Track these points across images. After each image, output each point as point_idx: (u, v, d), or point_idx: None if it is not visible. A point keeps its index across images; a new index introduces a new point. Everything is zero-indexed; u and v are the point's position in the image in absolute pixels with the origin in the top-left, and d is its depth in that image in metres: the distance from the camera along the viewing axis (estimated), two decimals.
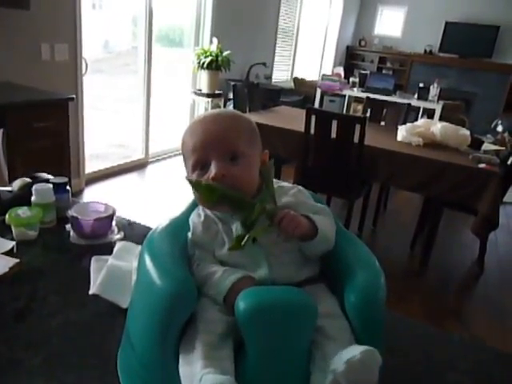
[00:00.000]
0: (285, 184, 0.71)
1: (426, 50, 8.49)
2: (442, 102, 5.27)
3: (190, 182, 0.62)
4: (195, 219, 0.67)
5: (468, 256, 3.23)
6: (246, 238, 0.58)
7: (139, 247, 0.88)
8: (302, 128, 2.81)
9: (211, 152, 0.62)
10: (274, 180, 0.71)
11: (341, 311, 0.59)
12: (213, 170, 0.61)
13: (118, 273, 0.84)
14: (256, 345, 0.52)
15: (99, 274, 0.85)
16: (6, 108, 2.28)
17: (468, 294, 2.86)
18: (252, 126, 0.69)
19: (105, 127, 4.68)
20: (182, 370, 0.53)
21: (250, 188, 0.64)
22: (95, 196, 3.46)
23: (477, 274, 3.01)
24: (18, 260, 0.88)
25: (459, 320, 2.44)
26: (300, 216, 0.62)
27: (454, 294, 2.77)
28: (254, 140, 0.67)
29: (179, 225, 0.68)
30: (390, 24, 8.95)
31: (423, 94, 5.32)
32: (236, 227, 0.63)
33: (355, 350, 0.50)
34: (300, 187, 0.71)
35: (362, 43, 9.23)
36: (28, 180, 1.12)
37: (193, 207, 0.70)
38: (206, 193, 0.61)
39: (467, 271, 3.09)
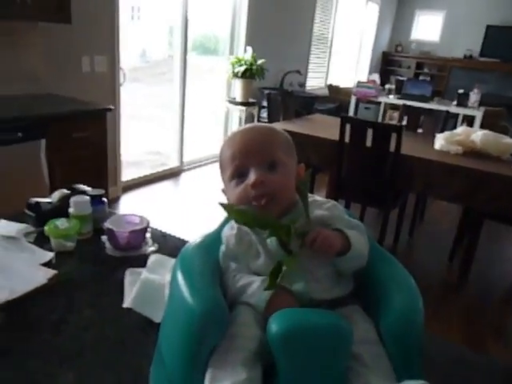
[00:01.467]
0: (319, 198, 0.70)
1: (465, 55, 8.27)
2: (482, 109, 5.10)
3: (222, 205, 0.62)
4: (227, 232, 0.67)
5: (510, 270, 3.09)
6: (279, 276, 0.57)
7: (172, 260, 0.88)
8: (336, 136, 2.78)
9: (250, 160, 0.63)
10: (309, 194, 0.70)
11: (377, 336, 0.57)
12: (252, 177, 0.62)
13: (151, 287, 0.84)
14: (288, 369, 0.51)
15: (133, 287, 0.86)
16: (48, 119, 2.36)
17: (510, 310, 2.73)
18: (288, 138, 0.71)
19: (141, 135, 4.79)
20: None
21: (287, 197, 0.65)
22: (131, 203, 3.54)
23: None
24: (56, 271, 0.90)
25: (501, 339, 2.33)
26: (333, 233, 0.61)
27: (495, 310, 2.65)
28: (290, 151, 0.69)
29: (213, 241, 0.68)
30: (427, 28, 8.78)
31: (463, 101, 5.16)
32: (271, 241, 0.62)
33: None
34: (335, 202, 0.70)
35: (399, 49, 9.08)
36: (66, 192, 1.15)
37: (225, 222, 0.70)
38: (238, 216, 0.61)
39: (510, 286, 2.96)
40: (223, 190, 0.69)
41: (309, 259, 0.61)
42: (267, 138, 0.66)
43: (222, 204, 0.62)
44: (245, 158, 0.64)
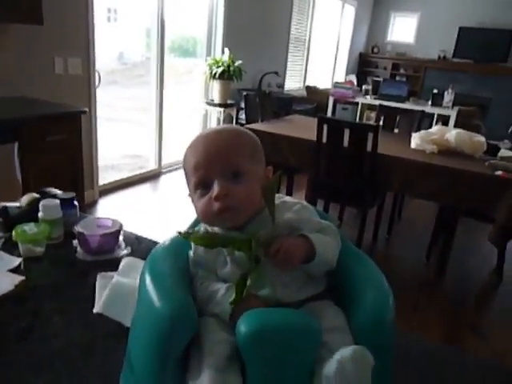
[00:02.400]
0: (288, 199, 0.69)
1: (439, 56, 8.43)
2: (456, 108, 5.21)
3: (180, 234, 0.62)
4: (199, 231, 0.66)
5: (486, 266, 3.15)
6: (244, 291, 0.57)
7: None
8: (314, 137, 2.79)
9: (213, 170, 0.61)
10: (279, 195, 0.69)
11: (346, 326, 0.56)
12: (215, 190, 0.60)
13: (123, 290, 0.83)
14: (257, 368, 0.51)
15: (104, 292, 0.84)
16: (19, 122, 2.31)
17: (486, 305, 2.79)
18: (255, 142, 0.68)
19: (119, 138, 4.74)
20: None
21: (253, 207, 0.62)
22: (109, 207, 3.49)
23: (495, 283, 2.94)
24: (23, 277, 0.87)
25: (477, 333, 2.37)
26: (296, 242, 0.60)
27: (471, 305, 2.70)
28: (257, 156, 0.66)
29: (181, 243, 0.67)
30: (402, 30, 8.93)
31: (437, 101, 5.27)
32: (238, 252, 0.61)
33: (347, 349, 0.49)
34: (304, 203, 0.69)
35: (375, 50, 9.20)
36: (36, 195, 1.12)
37: (195, 224, 0.69)
38: (196, 242, 0.61)
39: (485, 281, 3.02)
40: (190, 196, 0.67)
41: (275, 265, 0.60)
42: (231, 145, 0.63)
43: (179, 232, 0.62)
44: (207, 169, 0.61)
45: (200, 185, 0.62)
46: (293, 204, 0.67)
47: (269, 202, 0.62)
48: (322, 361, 0.52)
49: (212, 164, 0.61)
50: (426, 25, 8.53)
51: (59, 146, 2.53)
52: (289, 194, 3.50)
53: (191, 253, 0.65)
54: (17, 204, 1.11)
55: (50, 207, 1.03)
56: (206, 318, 0.57)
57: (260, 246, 0.59)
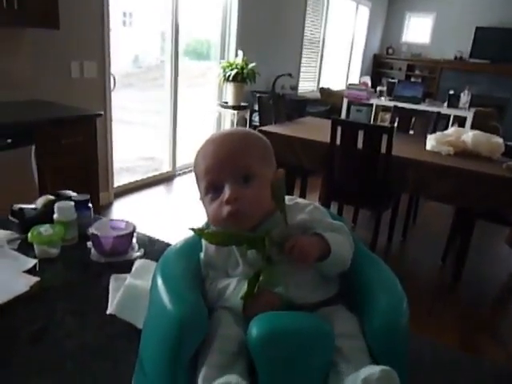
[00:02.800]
0: (300, 200, 0.69)
1: (456, 57, 8.32)
2: (473, 110, 5.13)
3: (193, 230, 0.61)
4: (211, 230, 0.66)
5: (503, 269, 3.10)
6: (256, 285, 0.57)
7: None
8: (327, 139, 2.78)
9: (223, 174, 0.61)
10: (291, 197, 0.69)
11: (359, 331, 0.56)
12: (226, 193, 0.60)
13: (136, 292, 0.83)
14: (268, 371, 0.50)
15: (117, 294, 0.85)
16: (35, 125, 2.34)
17: (504, 309, 2.73)
18: (265, 144, 0.67)
19: (134, 140, 4.78)
20: None
21: (263, 209, 0.62)
22: (123, 209, 3.52)
23: None
24: (38, 279, 0.88)
25: (494, 338, 2.33)
26: (311, 240, 0.60)
27: (488, 309, 2.65)
28: (267, 159, 0.66)
29: (193, 245, 0.67)
30: (418, 31, 8.84)
31: (453, 102, 5.19)
32: (251, 252, 0.61)
33: (373, 369, 0.48)
34: (316, 204, 0.69)
35: (390, 51, 9.13)
36: (51, 197, 1.14)
37: (206, 226, 0.69)
38: (209, 239, 0.61)
39: (503, 285, 2.96)
40: (201, 199, 0.67)
41: (289, 265, 0.60)
42: (241, 148, 0.63)
43: (192, 229, 0.61)
44: (218, 173, 0.61)
45: (210, 188, 0.62)
46: (305, 205, 0.67)
47: (278, 200, 0.62)
48: (335, 366, 0.51)
49: (222, 168, 0.61)
50: (442, 25, 8.44)
51: (75, 149, 2.56)
52: (302, 196, 3.48)
53: (202, 254, 0.65)
54: (32, 206, 1.13)
55: (64, 209, 1.04)
56: (219, 312, 0.58)
57: (273, 245, 0.58)
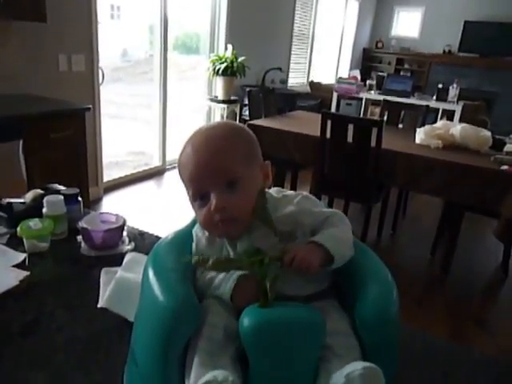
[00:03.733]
0: (289, 193, 0.68)
1: (444, 51, 8.37)
2: (461, 103, 5.17)
3: (196, 265, 0.59)
4: (199, 233, 0.65)
5: (491, 261, 3.14)
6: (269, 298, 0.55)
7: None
8: (318, 132, 2.78)
9: (207, 182, 0.60)
10: (279, 189, 0.68)
11: (350, 329, 0.56)
12: (213, 203, 0.59)
13: (127, 285, 0.83)
14: (260, 361, 0.50)
15: (108, 287, 0.84)
16: (23, 119, 2.31)
17: (492, 300, 2.77)
18: (247, 138, 0.65)
19: (123, 135, 4.75)
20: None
21: (252, 213, 0.61)
22: (113, 204, 3.50)
23: (501, 279, 2.93)
24: (28, 273, 0.88)
25: (483, 329, 2.36)
26: (309, 250, 0.58)
27: (477, 300, 2.69)
28: (251, 156, 0.64)
29: (184, 237, 0.67)
30: (407, 25, 8.87)
31: (442, 95, 5.23)
32: (240, 246, 0.61)
33: (357, 365, 0.48)
34: (305, 193, 0.68)
35: (379, 45, 9.16)
36: (40, 191, 1.13)
37: (194, 223, 0.69)
38: (213, 268, 0.59)
39: (491, 276, 3.00)
40: (190, 203, 0.65)
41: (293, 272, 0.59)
42: (222, 151, 0.60)
43: (195, 264, 0.59)
44: (202, 182, 0.60)
45: (197, 196, 0.62)
46: (294, 196, 0.66)
47: (263, 221, 0.60)
48: (325, 363, 0.52)
49: (205, 176, 0.60)
50: (431, 19, 8.47)
51: (63, 143, 2.53)
52: (293, 189, 3.48)
53: (194, 245, 0.65)
54: (21, 200, 1.11)
55: (54, 203, 1.03)
56: (209, 301, 0.58)
57: (271, 263, 0.57)
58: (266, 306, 0.53)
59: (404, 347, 0.60)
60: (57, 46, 2.95)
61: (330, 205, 3.26)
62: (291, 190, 0.70)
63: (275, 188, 0.69)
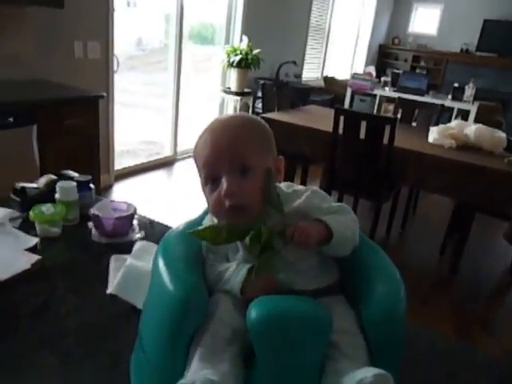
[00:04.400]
0: (299, 187, 0.68)
1: (462, 49, 8.25)
2: (477, 103, 5.10)
3: (192, 233, 0.61)
4: (208, 224, 0.66)
5: (500, 263, 3.11)
6: (253, 272, 0.58)
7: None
8: (330, 128, 2.77)
9: (221, 166, 0.60)
10: (289, 183, 0.69)
11: (358, 328, 0.56)
12: (223, 187, 0.59)
13: (136, 273, 0.84)
14: (266, 354, 0.51)
15: (117, 274, 0.85)
16: (38, 105, 2.33)
17: (499, 302, 2.76)
18: (264, 131, 0.66)
19: (136, 124, 4.76)
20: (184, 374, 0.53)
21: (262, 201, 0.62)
22: (123, 192, 3.52)
23: (509, 282, 2.90)
24: (39, 257, 0.89)
25: (488, 330, 2.35)
26: (310, 225, 0.60)
27: (484, 302, 2.67)
28: (266, 147, 0.65)
29: (195, 228, 0.67)
30: (424, 22, 8.75)
31: (458, 95, 5.17)
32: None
33: (368, 372, 0.47)
34: (314, 188, 0.68)
35: (396, 41, 9.05)
36: (53, 177, 1.14)
37: (204, 215, 0.69)
38: (209, 236, 0.60)
39: (499, 279, 2.98)
40: (202, 188, 0.66)
41: (290, 253, 0.60)
42: (238, 139, 0.61)
43: (191, 232, 0.61)
44: (215, 165, 0.60)
45: (209, 180, 0.62)
46: (303, 191, 0.66)
47: (269, 202, 0.61)
48: (333, 361, 0.52)
49: (219, 160, 0.60)
50: (450, 17, 8.34)
51: (76, 130, 2.55)
52: (303, 184, 3.48)
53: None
54: (34, 185, 1.13)
55: (66, 189, 1.05)
56: (218, 295, 0.58)
57: (273, 235, 0.59)
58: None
59: (408, 345, 0.60)
60: (73, 32, 2.96)
61: (339, 201, 3.25)
62: (301, 184, 0.70)
63: (285, 183, 0.69)
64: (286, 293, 0.58)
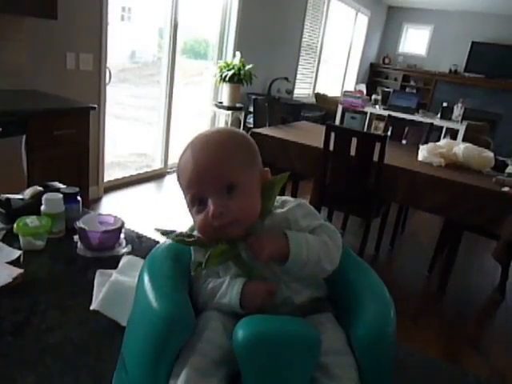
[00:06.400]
0: (289, 198, 0.67)
1: (451, 70, 8.41)
2: (465, 123, 5.18)
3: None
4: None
5: (489, 282, 3.12)
6: (203, 263, 0.58)
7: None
8: (321, 144, 2.79)
9: (206, 188, 0.59)
10: (279, 197, 0.67)
11: (347, 346, 0.55)
12: (210, 208, 0.58)
13: (121, 289, 0.82)
14: (252, 376, 0.50)
15: (102, 289, 0.83)
16: (28, 115, 2.31)
17: (488, 322, 2.75)
18: (247, 144, 0.64)
19: (127, 136, 4.74)
20: None
21: (253, 216, 0.60)
22: (112, 204, 3.49)
23: (498, 301, 2.91)
24: (21, 270, 0.87)
25: (478, 351, 2.34)
26: (272, 237, 0.59)
27: (472, 321, 2.67)
28: (251, 161, 0.63)
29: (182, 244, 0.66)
30: (414, 42, 8.93)
31: (447, 114, 5.24)
32: (246, 252, 0.60)
33: None
34: (301, 201, 0.66)
35: (386, 61, 9.20)
36: (39, 189, 1.12)
37: (193, 229, 0.68)
38: (213, 263, 0.60)
39: (487, 298, 2.99)
40: (188, 208, 0.64)
41: (276, 264, 0.59)
42: (222, 157, 0.59)
43: (159, 231, 0.61)
44: (200, 187, 0.59)
45: (195, 201, 0.61)
46: (289, 203, 0.65)
47: (265, 199, 0.62)
48: None
49: (203, 182, 0.59)
50: (439, 38, 8.52)
51: (66, 141, 2.53)
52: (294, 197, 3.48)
53: (192, 256, 0.64)
54: (20, 196, 1.11)
55: (52, 201, 1.03)
56: (210, 314, 0.57)
57: (244, 241, 0.59)
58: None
59: (398, 367, 0.58)
60: (65, 44, 2.96)
61: (329, 217, 3.26)
62: None
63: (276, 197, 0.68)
64: (280, 303, 0.58)
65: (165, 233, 0.63)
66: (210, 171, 0.59)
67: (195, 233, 0.64)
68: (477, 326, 2.64)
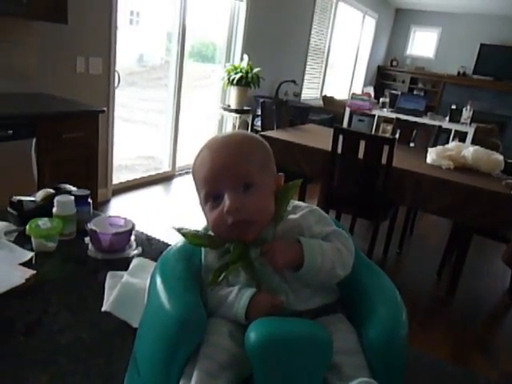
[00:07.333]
0: (301, 204, 0.67)
1: (459, 72, 8.37)
2: (474, 125, 5.15)
3: (177, 230, 0.62)
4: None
5: (498, 286, 3.10)
6: (222, 275, 0.59)
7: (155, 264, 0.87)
8: (328, 147, 2.78)
9: (223, 183, 0.59)
10: (292, 201, 0.68)
11: (359, 346, 0.55)
12: (226, 204, 0.58)
13: (132, 290, 0.82)
14: (265, 378, 0.50)
15: (113, 291, 0.84)
16: (38, 118, 2.33)
17: (497, 326, 2.73)
18: (264, 148, 0.65)
19: (135, 139, 4.77)
20: None
21: (266, 217, 0.61)
22: (121, 206, 3.51)
23: (507, 305, 2.88)
24: (34, 271, 0.88)
25: (486, 355, 2.32)
26: (287, 246, 0.58)
27: (481, 325, 2.65)
28: (266, 164, 0.64)
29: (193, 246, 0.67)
30: (422, 45, 8.90)
31: (455, 117, 5.21)
32: (255, 254, 0.60)
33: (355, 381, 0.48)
34: (313, 207, 0.66)
35: (394, 63, 9.18)
36: (51, 191, 1.13)
37: (205, 231, 0.69)
38: (207, 243, 0.63)
39: (497, 302, 2.96)
40: (200, 205, 0.65)
41: (287, 270, 0.59)
42: (240, 155, 0.60)
43: (176, 229, 0.62)
44: (217, 182, 0.59)
45: (210, 197, 0.61)
46: (302, 208, 0.65)
47: (278, 205, 0.62)
48: None
49: (221, 176, 0.59)
50: (447, 40, 8.49)
51: (76, 144, 2.55)
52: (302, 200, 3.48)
53: (203, 259, 0.64)
54: (32, 198, 1.12)
55: (64, 203, 1.04)
56: (216, 320, 0.57)
57: (257, 247, 0.59)
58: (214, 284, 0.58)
59: (407, 368, 0.58)
60: (75, 48, 2.99)
61: (337, 219, 3.25)
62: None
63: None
64: (287, 314, 0.57)
65: (181, 229, 0.63)
66: (228, 168, 0.59)
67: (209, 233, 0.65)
68: (486, 330, 2.61)
